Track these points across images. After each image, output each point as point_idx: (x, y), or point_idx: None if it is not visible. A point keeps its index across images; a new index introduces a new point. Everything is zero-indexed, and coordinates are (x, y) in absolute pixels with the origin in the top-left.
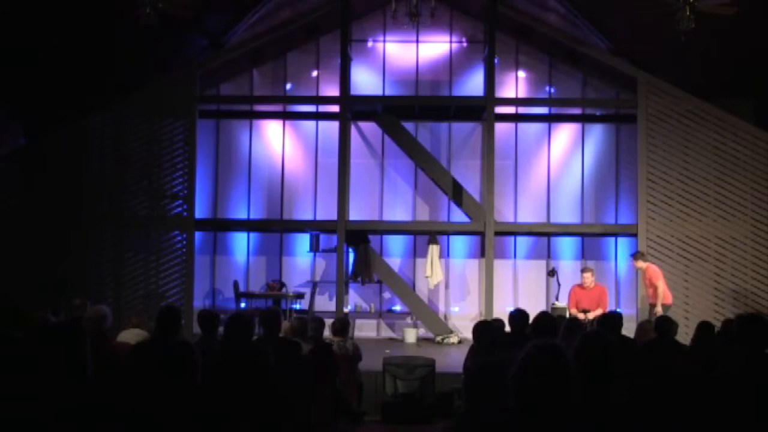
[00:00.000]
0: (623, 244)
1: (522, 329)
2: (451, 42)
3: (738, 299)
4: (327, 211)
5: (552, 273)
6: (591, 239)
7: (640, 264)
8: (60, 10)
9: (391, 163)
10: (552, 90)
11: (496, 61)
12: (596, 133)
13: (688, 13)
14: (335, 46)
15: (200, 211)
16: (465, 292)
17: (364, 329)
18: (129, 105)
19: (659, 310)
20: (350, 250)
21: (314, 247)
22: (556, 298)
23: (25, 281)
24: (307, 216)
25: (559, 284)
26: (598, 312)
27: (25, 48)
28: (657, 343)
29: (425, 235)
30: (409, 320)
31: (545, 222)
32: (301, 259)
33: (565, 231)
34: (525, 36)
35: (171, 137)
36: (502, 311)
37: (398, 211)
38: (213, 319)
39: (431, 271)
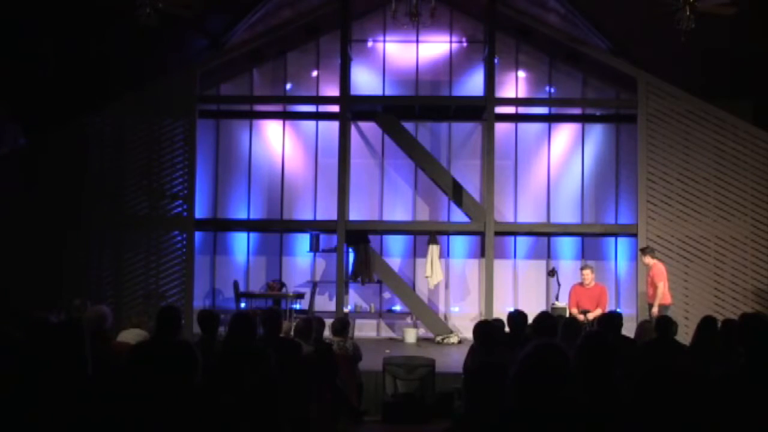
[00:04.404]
0: (623, 244)
1: (521, 330)
2: (451, 42)
3: (738, 299)
4: (327, 211)
5: (552, 273)
6: (591, 239)
7: (648, 260)
8: (60, 9)
9: (391, 163)
10: (552, 90)
11: (496, 61)
12: (596, 133)
13: (688, 13)
14: (335, 46)
15: (200, 211)
16: (465, 292)
17: (364, 329)
18: (129, 105)
19: (656, 311)
20: (350, 250)
21: (314, 247)
22: (556, 298)
23: (25, 281)
24: (307, 216)
25: (559, 284)
26: (598, 312)
27: (24, 48)
28: (657, 343)
29: (425, 235)
30: (409, 320)
31: (545, 222)
32: (301, 259)
33: (565, 231)
34: (525, 36)
35: (171, 137)
36: (502, 311)
37: (398, 211)
38: (213, 319)
39: (431, 271)
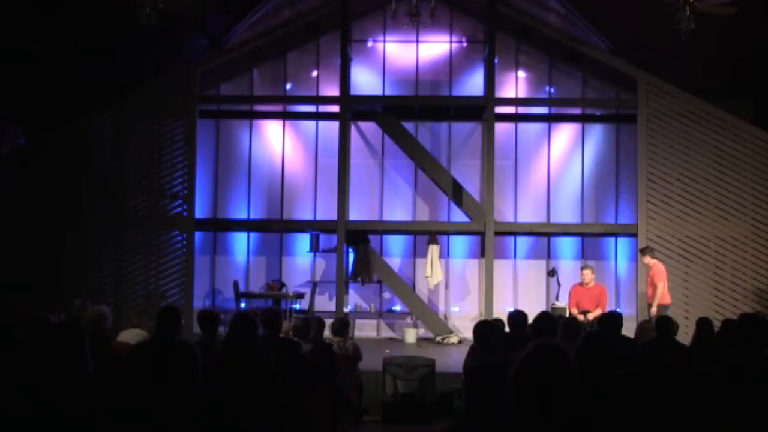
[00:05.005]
0: (623, 244)
1: (521, 330)
2: (451, 42)
3: (738, 299)
4: (327, 211)
5: (552, 273)
6: (591, 239)
7: (647, 260)
8: (60, 9)
9: (391, 163)
10: (552, 90)
11: (496, 61)
12: (596, 133)
13: (688, 13)
14: (335, 46)
15: (200, 211)
16: (465, 292)
17: (364, 329)
18: (129, 105)
19: (654, 310)
20: (350, 250)
21: (314, 247)
22: (556, 298)
23: (25, 281)
24: (307, 216)
25: (559, 284)
26: (598, 312)
27: (25, 48)
28: (657, 343)
29: (425, 235)
30: (409, 320)
31: (545, 222)
32: (301, 259)
33: (565, 231)
34: (525, 36)
35: (171, 137)
36: (502, 311)
37: (398, 211)
38: (213, 319)
39: (431, 271)
